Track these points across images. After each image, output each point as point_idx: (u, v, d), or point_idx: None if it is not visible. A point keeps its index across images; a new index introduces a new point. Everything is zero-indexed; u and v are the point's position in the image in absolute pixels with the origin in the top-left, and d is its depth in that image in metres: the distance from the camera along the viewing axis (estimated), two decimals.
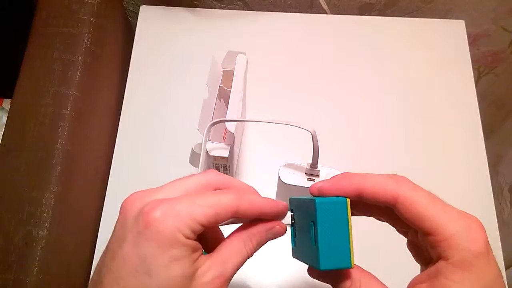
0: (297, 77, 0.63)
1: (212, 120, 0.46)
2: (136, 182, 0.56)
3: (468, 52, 0.64)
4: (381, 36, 0.66)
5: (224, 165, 0.50)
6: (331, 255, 0.26)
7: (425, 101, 0.62)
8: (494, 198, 0.56)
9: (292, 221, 0.31)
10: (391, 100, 0.62)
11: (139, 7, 0.67)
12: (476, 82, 0.83)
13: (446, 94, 0.62)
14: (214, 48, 0.51)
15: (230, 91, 0.45)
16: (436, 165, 0.58)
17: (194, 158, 0.49)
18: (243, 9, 0.69)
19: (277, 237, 0.29)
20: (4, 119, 0.68)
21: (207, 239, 0.30)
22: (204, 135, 0.44)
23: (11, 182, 0.46)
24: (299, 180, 0.46)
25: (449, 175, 0.57)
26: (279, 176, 0.46)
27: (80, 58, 0.52)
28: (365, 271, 0.28)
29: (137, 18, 0.66)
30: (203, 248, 0.27)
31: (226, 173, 0.53)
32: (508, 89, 0.85)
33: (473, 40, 0.75)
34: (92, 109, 0.54)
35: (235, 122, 0.44)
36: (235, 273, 0.27)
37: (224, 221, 0.27)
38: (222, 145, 0.46)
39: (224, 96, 0.50)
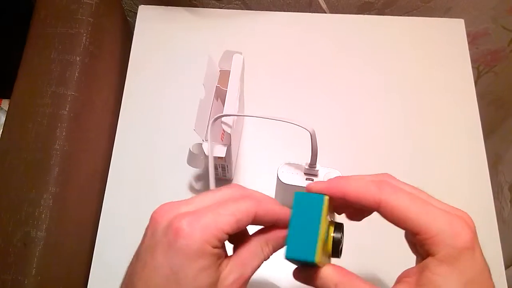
0: (296, 77, 0.63)
1: (209, 120, 0.46)
2: (135, 182, 0.56)
3: (468, 51, 0.64)
4: (380, 35, 0.66)
5: (222, 165, 0.50)
6: (298, 246, 0.27)
7: (424, 100, 0.62)
8: (494, 197, 0.56)
9: None
10: (390, 99, 0.62)
11: (138, 6, 0.67)
12: (476, 81, 0.83)
13: (445, 93, 0.62)
14: (213, 48, 0.51)
15: (226, 90, 0.45)
16: (435, 165, 0.58)
17: (191, 159, 0.49)
18: (241, 9, 0.69)
19: None
20: (2, 119, 0.68)
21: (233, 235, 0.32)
22: (209, 131, 0.44)
23: (9, 183, 0.46)
24: (298, 179, 0.46)
25: (449, 174, 0.57)
26: (277, 176, 0.46)
27: (78, 58, 0.52)
28: (349, 274, 0.28)
29: (136, 17, 0.66)
30: (230, 241, 0.30)
31: (225, 173, 0.53)
32: (508, 88, 0.85)
33: (473, 39, 0.75)
34: (90, 110, 0.54)
35: (233, 123, 0.44)
36: (253, 274, 0.28)
37: (245, 226, 0.28)
38: (220, 145, 0.46)
39: (221, 96, 0.50)
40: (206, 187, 0.56)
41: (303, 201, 0.27)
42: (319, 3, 0.66)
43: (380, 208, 0.27)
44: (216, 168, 0.51)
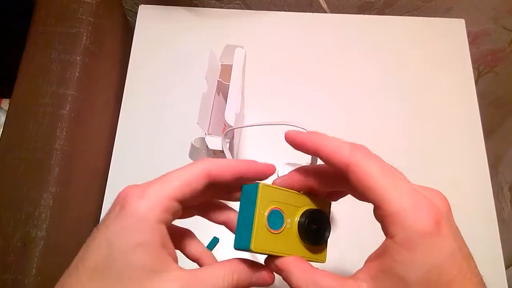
0: (296, 76, 0.63)
1: (211, 114, 0.46)
2: (135, 181, 0.56)
3: (468, 51, 0.64)
4: (380, 35, 0.66)
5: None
6: (241, 236, 0.27)
7: (424, 101, 0.62)
8: (494, 197, 0.56)
9: None
10: (391, 99, 0.62)
11: (138, 6, 0.67)
12: (476, 81, 0.83)
13: (446, 93, 0.62)
14: (213, 47, 0.51)
15: (228, 85, 0.45)
16: (436, 165, 0.58)
17: (193, 153, 0.49)
18: (242, 8, 0.69)
19: (263, 285, 0.28)
20: (3, 119, 0.68)
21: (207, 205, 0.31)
22: (222, 141, 0.44)
23: (9, 182, 0.46)
24: None
25: (449, 174, 0.57)
26: (278, 176, 0.46)
27: (78, 58, 0.52)
28: (312, 269, 0.26)
29: (136, 17, 0.66)
30: (198, 211, 0.29)
31: None
32: (508, 88, 0.85)
33: (473, 39, 0.75)
34: (90, 109, 0.54)
35: (235, 116, 0.44)
36: None
37: (201, 188, 0.26)
38: (221, 138, 0.46)
39: (222, 90, 0.50)
40: None
41: (246, 192, 0.28)
42: (319, 2, 0.66)
43: (348, 171, 0.24)
44: None
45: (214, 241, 0.50)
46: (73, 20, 0.54)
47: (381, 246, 0.24)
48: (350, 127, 0.60)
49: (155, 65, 0.63)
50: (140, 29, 0.65)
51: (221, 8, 0.68)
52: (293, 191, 0.29)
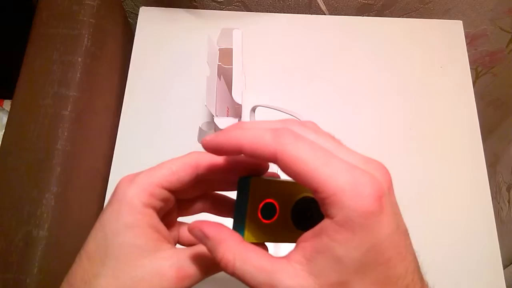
0: (296, 78, 0.63)
1: (215, 97, 0.47)
2: None
3: (466, 52, 0.65)
4: (379, 37, 0.66)
5: None
6: (236, 227, 0.27)
7: (423, 102, 0.62)
8: (492, 198, 0.57)
9: None
10: (389, 100, 0.62)
11: (139, 8, 0.67)
12: (474, 82, 0.83)
13: (444, 94, 0.63)
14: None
15: (228, 68, 0.46)
16: (434, 165, 0.58)
17: (202, 136, 0.50)
18: (242, 10, 0.69)
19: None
20: (5, 120, 0.68)
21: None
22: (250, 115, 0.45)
23: (11, 183, 0.46)
24: None
25: (448, 175, 0.58)
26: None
27: (80, 59, 0.52)
28: (242, 243, 0.24)
29: (137, 19, 0.67)
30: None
31: None
32: (506, 89, 0.85)
33: (471, 40, 0.75)
34: (92, 110, 0.55)
35: (242, 95, 0.44)
36: (198, 274, 0.25)
37: (188, 178, 0.27)
38: (230, 118, 0.47)
39: (223, 73, 0.50)
40: None
41: (240, 185, 0.28)
42: (318, 4, 0.66)
43: (277, 161, 0.22)
44: None
45: None
46: (74, 22, 0.54)
47: (318, 225, 0.22)
48: (349, 128, 0.60)
49: (155, 67, 0.63)
50: (140, 31, 0.66)
51: (221, 10, 0.69)
52: (288, 180, 0.28)
